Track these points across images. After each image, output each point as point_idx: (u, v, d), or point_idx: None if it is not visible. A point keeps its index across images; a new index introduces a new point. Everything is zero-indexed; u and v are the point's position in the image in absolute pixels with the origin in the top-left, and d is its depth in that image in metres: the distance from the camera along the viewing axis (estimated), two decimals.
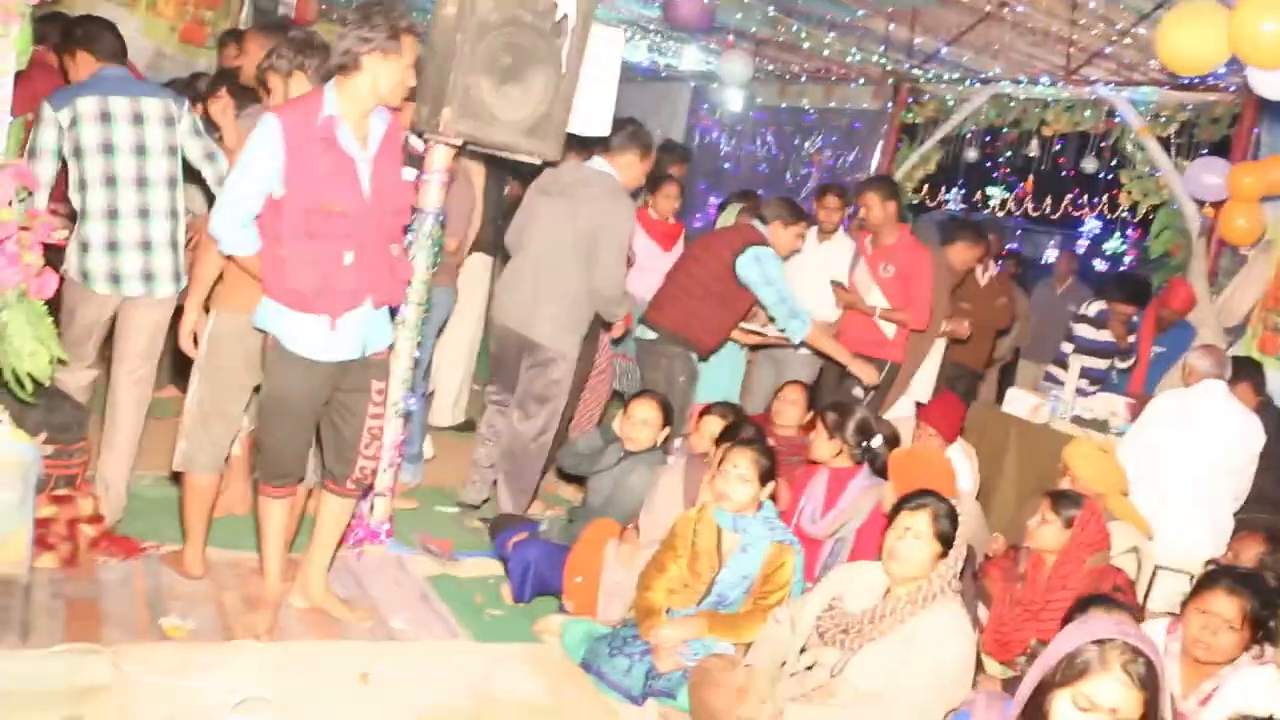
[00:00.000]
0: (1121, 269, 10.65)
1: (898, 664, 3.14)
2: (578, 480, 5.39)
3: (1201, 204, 7.66)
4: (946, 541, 3.25)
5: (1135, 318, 7.40)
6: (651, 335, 5.72)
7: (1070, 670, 2.19)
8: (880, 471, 4.58)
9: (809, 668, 3.36)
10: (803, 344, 5.83)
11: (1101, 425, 6.29)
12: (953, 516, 3.29)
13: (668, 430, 4.90)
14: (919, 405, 5.90)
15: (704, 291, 5.60)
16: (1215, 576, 3.47)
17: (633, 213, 5.07)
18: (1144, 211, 8.44)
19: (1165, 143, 8.05)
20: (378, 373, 3.86)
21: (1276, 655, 3.42)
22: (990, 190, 11.00)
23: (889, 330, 6.16)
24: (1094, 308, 7.44)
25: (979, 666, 4.00)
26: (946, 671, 3.12)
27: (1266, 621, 3.35)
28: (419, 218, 4.54)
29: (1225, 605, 3.34)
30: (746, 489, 3.93)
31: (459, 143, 4.49)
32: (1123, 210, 9.07)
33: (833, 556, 4.46)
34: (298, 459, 3.86)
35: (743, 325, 5.93)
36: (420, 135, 4.56)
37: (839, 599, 3.39)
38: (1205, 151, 7.83)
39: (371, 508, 4.70)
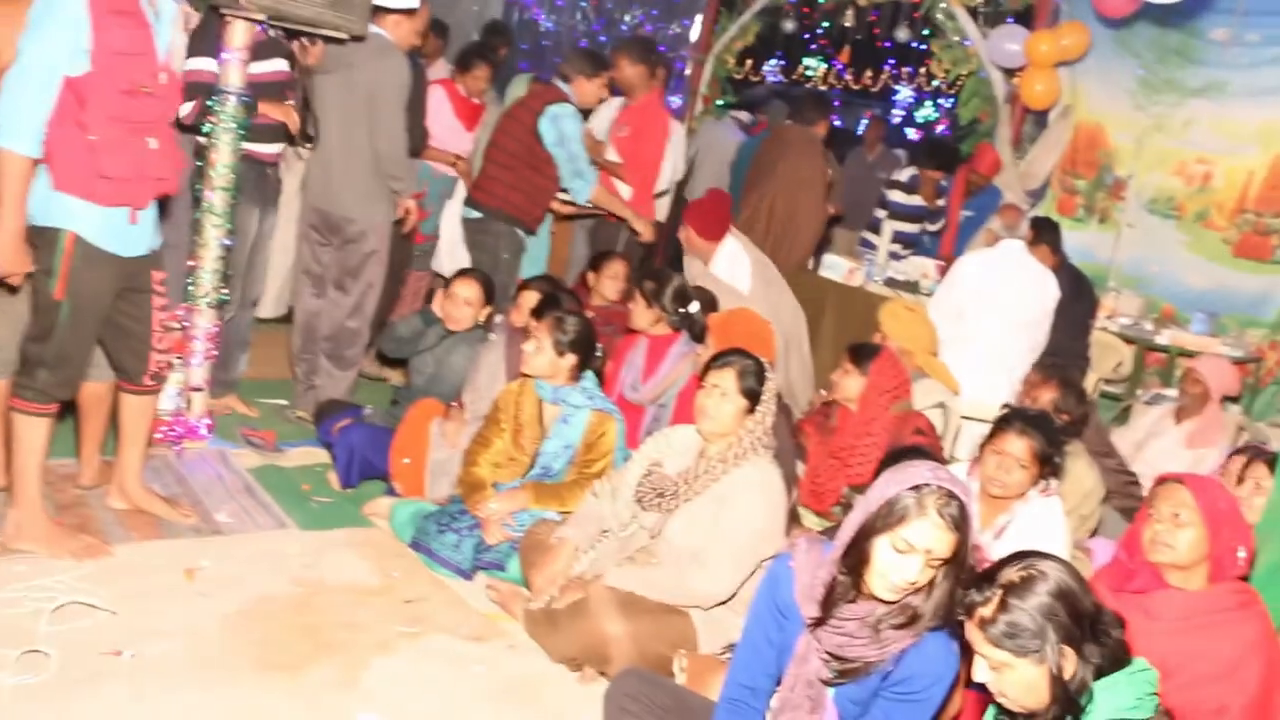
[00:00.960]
0: (933, 136, 10.92)
1: (712, 521, 3.24)
2: (401, 364, 5.34)
3: (1010, 72, 7.89)
4: (753, 397, 3.33)
5: (945, 182, 7.65)
6: (476, 215, 5.67)
7: (889, 516, 2.27)
8: (699, 337, 4.67)
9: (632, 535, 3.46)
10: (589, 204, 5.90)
11: (913, 287, 6.53)
12: (759, 374, 3.36)
13: (490, 309, 4.89)
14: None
15: (518, 163, 5.56)
16: (1008, 420, 3.67)
17: (406, 71, 5.00)
18: (954, 79, 8.67)
19: (973, 11, 8.23)
20: (156, 263, 3.63)
21: (1060, 487, 3.67)
22: (808, 61, 11.10)
23: (624, 190, 6.23)
24: (905, 173, 7.66)
25: (796, 519, 4.19)
26: (757, 525, 3.23)
27: (1053, 458, 3.58)
28: (221, 98, 4.37)
29: (1017, 445, 3.55)
30: (542, 358, 3.96)
31: (261, 17, 4.32)
32: (935, 80, 9.26)
33: (654, 423, 4.56)
34: (85, 366, 3.61)
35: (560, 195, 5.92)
36: (220, 12, 4.35)
37: (657, 464, 3.47)
38: (1010, 20, 8.04)
39: (189, 404, 4.58)
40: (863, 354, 4.39)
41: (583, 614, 3.26)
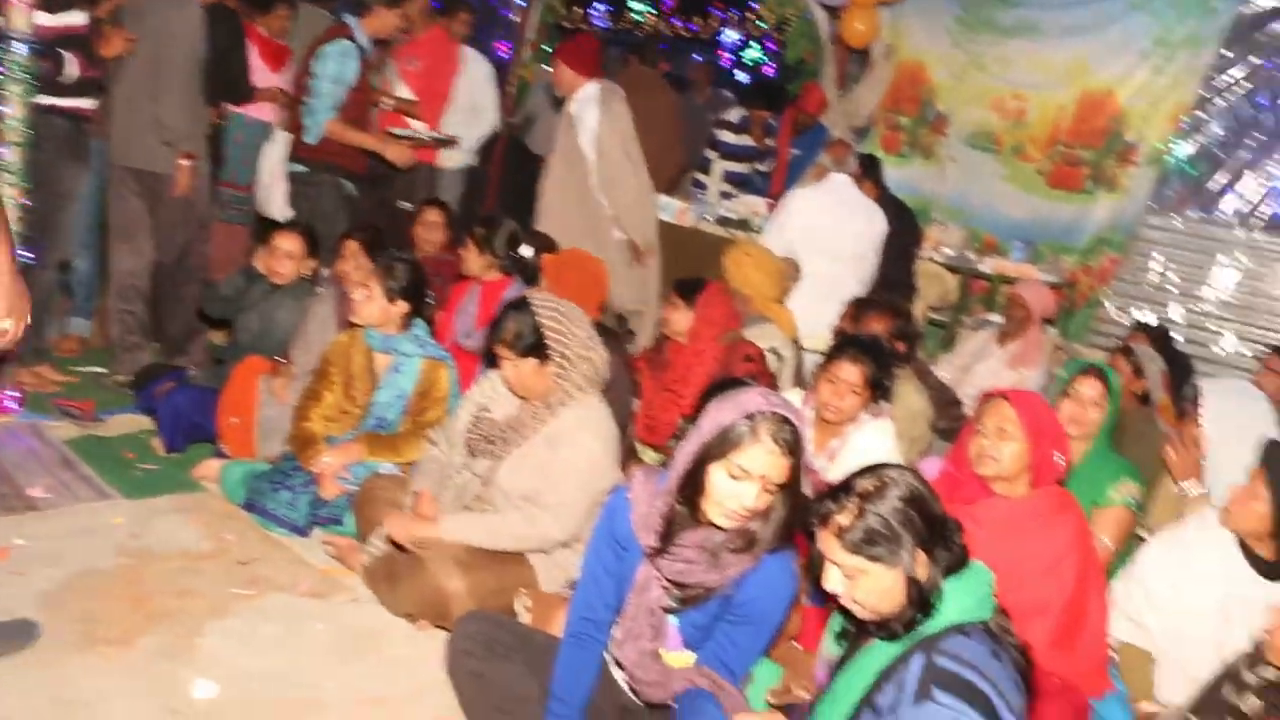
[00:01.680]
0: (761, 77, 11.05)
1: (543, 464, 3.21)
2: (225, 325, 5.15)
3: (833, 11, 8.00)
4: (536, 351, 3.19)
5: (773, 122, 7.73)
6: (300, 168, 5.46)
7: (724, 443, 2.27)
8: (532, 280, 4.62)
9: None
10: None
11: (744, 225, 6.60)
12: (534, 329, 3.20)
13: (314, 261, 4.74)
14: None
15: None
16: (841, 347, 3.74)
17: (198, 21, 4.90)
18: (780, 21, 8.75)
19: None
20: None
21: (889, 409, 3.77)
22: (635, 6, 11.06)
23: (420, 127, 6.11)
24: (734, 114, 7.70)
25: (634, 454, 4.20)
26: (590, 462, 3.20)
27: (883, 382, 3.67)
28: (5, 45, 4.09)
29: (850, 371, 3.62)
30: (372, 306, 3.86)
31: None
32: (759, 22, 9.35)
33: None
34: None
35: (392, 131, 5.75)
36: None
37: (485, 410, 3.40)
38: None
39: None
40: (689, 289, 4.41)
41: (421, 570, 3.20)
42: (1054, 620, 3.00)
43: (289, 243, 4.64)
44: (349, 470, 3.79)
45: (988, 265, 7.18)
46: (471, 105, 6.57)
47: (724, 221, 6.64)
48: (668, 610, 2.46)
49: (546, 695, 2.52)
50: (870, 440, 3.57)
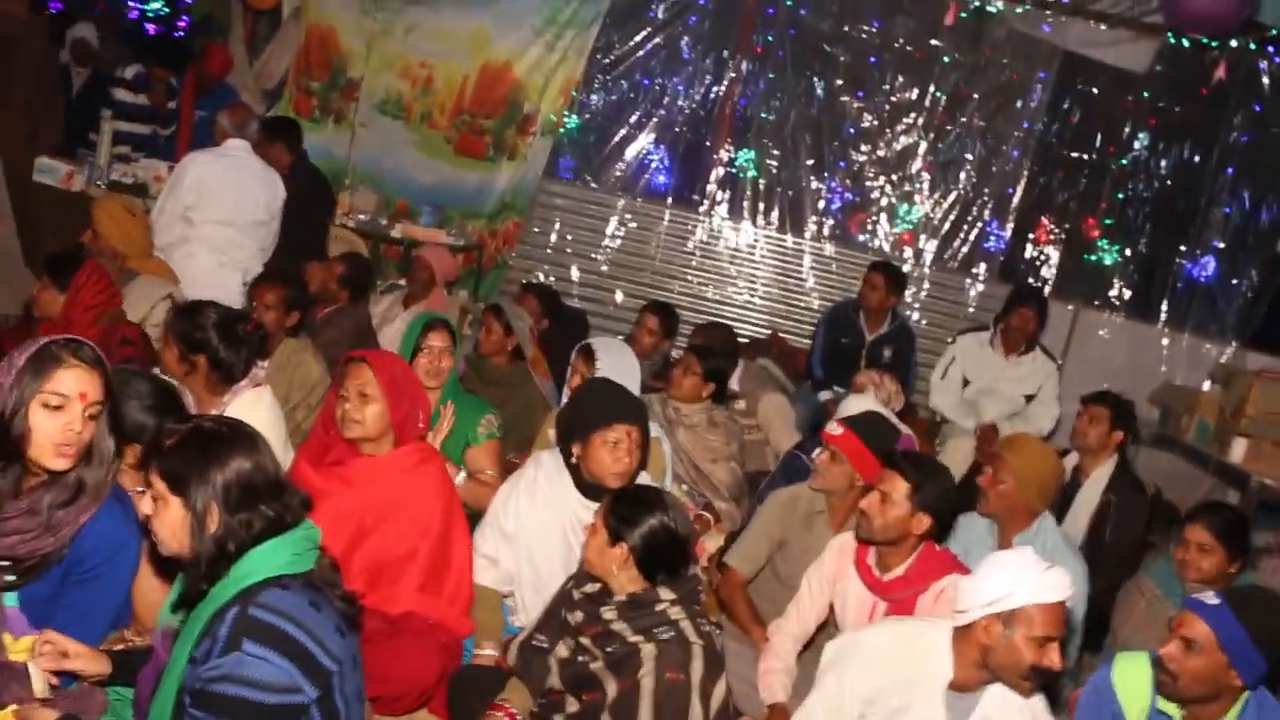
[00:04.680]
0: (170, 34, 10.52)
1: None
2: None
3: None
4: None
5: (174, 81, 7.42)
6: None
7: (34, 379, 2.26)
8: None
9: None
10: None
11: (142, 189, 6.31)
12: None
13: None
14: None
15: None
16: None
17: None
18: None
19: None
20: None
21: (270, 376, 3.82)
22: None
23: None
24: (131, 70, 7.24)
25: None
26: None
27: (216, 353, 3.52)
28: None
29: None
30: None
31: None
32: None
33: None
34: None
35: None
36: None
37: None
38: None
39: None
40: (61, 268, 4.13)
41: None
42: (422, 565, 3.27)
43: None
44: None
45: (398, 230, 7.42)
46: None
47: (117, 186, 6.29)
48: (5, 588, 2.37)
49: None
50: (244, 410, 3.57)
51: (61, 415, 2.27)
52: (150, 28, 11.00)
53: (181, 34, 10.13)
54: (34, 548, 2.34)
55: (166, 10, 10.97)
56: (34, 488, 2.32)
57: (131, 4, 11.07)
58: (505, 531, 3.42)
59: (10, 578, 2.36)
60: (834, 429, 3.73)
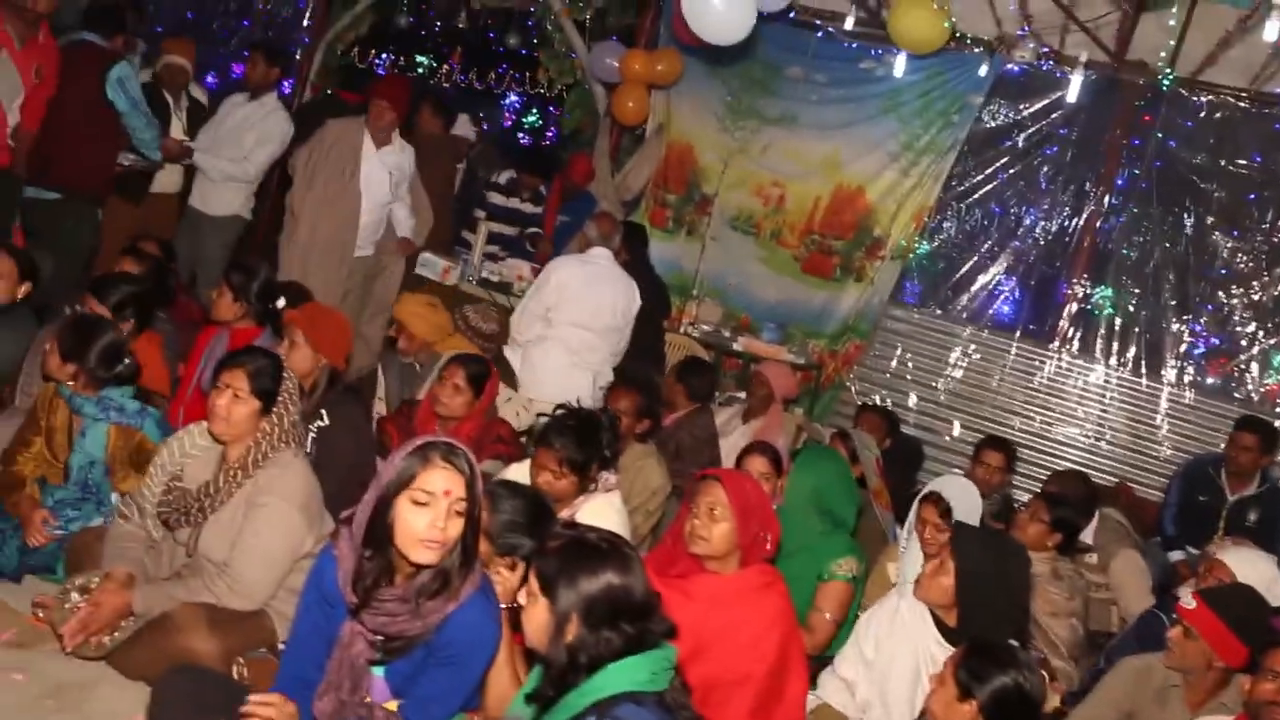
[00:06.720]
0: (540, 143, 11.33)
1: (235, 531, 3.16)
2: None
3: (611, 87, 8.24)
4: (267, 398, 3.22)
5: (543, 188, 7.89)
6: (52, 195, 5.24)
7: (401, 478, 2.39)
8: (279, 332, 4.56)
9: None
10: None
11: (506, 288, 6.71)
12: (275, 373, 3.26)
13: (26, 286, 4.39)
14: None
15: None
16: (544, 434, 3.67)
17: None
18: (559, 89, 8.95)
19: (580, 25, 8.53)
20: None
21: (619, 482, 3.90)
22: (420, 59, 11.17)
23: None
24: (504, 176, 7.80)
25: None
26: (273, 530, 3.17)
27: (587, 463, 3.66)
28: None
29: (549, 458, 3.61)
30: (51, 360, 3.69)
31: None
32: (540, 87, 9.58)
33: None
34: None
35: None
36: None
37: (176, 478, 3.31)
38: (614, 38, 8.40)
39: None
40: (478, 376, 4.48)
41: (166, 631, 3.06)
42: (755, 692, 3.19)
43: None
44: (58, 515, 3.62)
45: (740, 344, 7.51)
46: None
47: (485, 283, 6.73)
48: (373, 663, 2.50)
49: None
50: (596, 515, 3.65)
51: (428, 512, 2.38)
52: (524, 138, 11.97)
53: (550, 143, 10.86)
54: (402, 629, 2.47)
55: (540, 123, 11.87)
56: (408, 574, 2.44)
57: (508, 114, 12.06)
58: (866, 658, 3.34)
59: (378, 654, 2.49)
60: (1188, 601, 3.42)
